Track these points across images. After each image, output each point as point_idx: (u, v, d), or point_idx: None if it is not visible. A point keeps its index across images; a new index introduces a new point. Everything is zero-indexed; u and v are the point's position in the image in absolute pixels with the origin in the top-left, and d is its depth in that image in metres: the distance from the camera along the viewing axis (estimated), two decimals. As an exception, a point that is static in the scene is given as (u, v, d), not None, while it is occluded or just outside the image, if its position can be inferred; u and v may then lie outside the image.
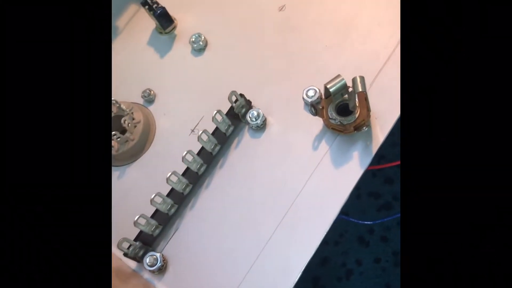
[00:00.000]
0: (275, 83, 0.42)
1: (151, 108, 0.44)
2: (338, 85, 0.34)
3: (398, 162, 0.46)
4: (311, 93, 0.39)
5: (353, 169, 0.37)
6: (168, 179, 0.36)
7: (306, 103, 0.39)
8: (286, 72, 0.42)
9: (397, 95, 0.38)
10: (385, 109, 0.38)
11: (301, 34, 0.43)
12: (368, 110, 0.36)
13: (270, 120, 0.40)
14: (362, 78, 0.34)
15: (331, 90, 0.34)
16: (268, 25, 0.44)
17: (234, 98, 0.39)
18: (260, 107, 0.41)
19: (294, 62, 0.42)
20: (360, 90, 0.34)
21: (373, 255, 0.58)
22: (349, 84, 0.36)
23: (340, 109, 0.37)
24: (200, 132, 0.37)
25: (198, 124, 0.42)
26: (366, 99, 0.36)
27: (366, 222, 0.49)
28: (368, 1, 0.42)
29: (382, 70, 0.40)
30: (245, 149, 0.40)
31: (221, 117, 0.38)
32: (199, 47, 0.44)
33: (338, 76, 0.35)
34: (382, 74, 0.39)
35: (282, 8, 0.44)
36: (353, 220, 0.45)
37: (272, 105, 0.41)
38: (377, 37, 0.41)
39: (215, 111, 0.38)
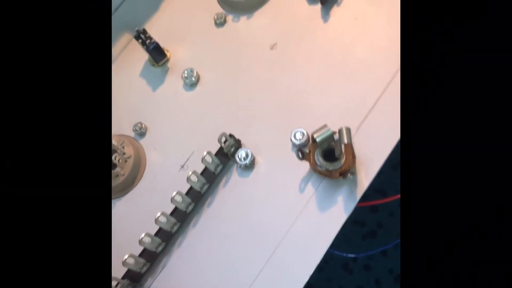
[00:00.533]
0: (265, 122, 0.42)
1: (142, 141, 0.44)
2: (324, 136, 0.35)
3: (388, 199, 0.48)
4: (298, 135, 0.40)
5: (337, 214, 0.38)
6: (157, 220, 0.37)
7: (294, 145, 0.40)
8: (275, 112, 0.43)
9: (383, 140, 0.39)
10: (370, 155, 0.39)
11: (291, 74, 0.44)
12: (354, 157, 0.37)
13: (258, 159, 0.41)
14: (348, 130, 0.35)
15: (317, 140, 0.35)
16: (259, 63, 0.45)
17: (223, 139, 0.39)
18: (249, 146, 0.42)
19: (284, 101, 0.43)
20: (346, 142, 0.35)
21: (356, 283, 0.59)
22: (337, 127, 0.38)
23: (327, 153, 0.38)
24: (190, 173, 0.38)
25: (188, 159, 0.43)
26: (351, 147, 0.37)
27: (350, 255, 0.51)
28: (358, 44, 0.43)
29: (369, 114, 0.41)
30: (233, 188, 0.41)
31: (210, 158, 0.39)
32: (191, 82, 0.45)
33: (325, 126, 0.36)
34: (369, 118, 0.41)
35: (273, 46, 0.45)
36: (337, 253, 0.46)
37: (261, 144, 0.42)
38: (366, 80, 0.42)
39: (205, 152, 0.38)
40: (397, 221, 0.59)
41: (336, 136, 0.36)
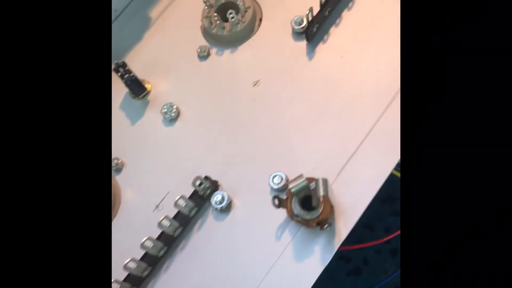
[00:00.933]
0: (244, 162, 0.41)
1: (118, 177, 0.43)
2: (299, 186, 0.34)
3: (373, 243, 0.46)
4: (277, 180, 0.38)
5: (313, 265, 0.36)
6: (126, 266, 0.36)
7: (272, 189, 0.39)
8: (256, 152, 0.41)
9: (365, 188, 0.38)
10: (350, 203, 0.38)
11: (274, 113, 0.42)
12: (332, 207, 0.36)
13: (235, 202, 0.40)
14: (324, 181, 0.34)
15: (292, 190, 0.34)
16: (241, 100, 0.43)
17: (198, 182, 0.38)
18: (226, 187, 0.40)
19: (265, 142, 0.41)
20: (322, 194, 0.33)
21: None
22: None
23: (305, 200, 0.36)
24: (161, 218, 0.37)
25: (163, 199, 0.41)
26: (328, 198, 0.35)
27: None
28: (343, 84, 0.42)
29: (351, 159, 0.39)
30: (208, 232, 0.39)
31: (184, 202, 0.38)
32: (171, 118, 0.44)
33: (301, 176, 0.34)
34: (351, 163, 0.39)
35: (256, 83, 0.44)
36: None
37: (239, 186, 0.40)
38: (350, 123, 0.40)
39: (178, 197, 0.37)
40: (383, 258, 0.58)
41: (313, 185, 0.35)
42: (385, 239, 0.49)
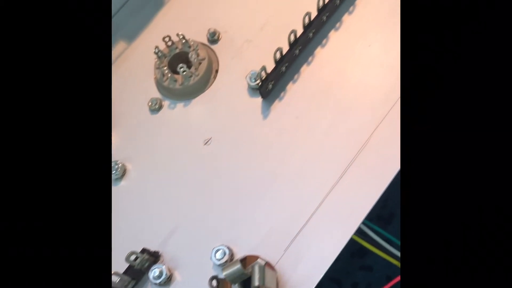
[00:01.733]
0: (189, 231, 0.38)
1: (57, 241, 0.40)
2: (233, 276, 0.31)
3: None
4: (219, 255, 0.36)
5: None
6: None
7: (214, 264, 0.36)
8: (201, 220, 0.38)
9: (314, 266, 0.35)
10: (300, 279, 0.35)
11: (223, 176, 0.40)
12: (274, 290, 0.33)
13: (176, 276, 0.37)
14: (261, 268, 0.31)
15: (226, 278, 0.31)
16: (190, 160, 0.41)
17: (133, 257, 0.35)
18: (168, 258, 0.38)
19: (212, 208, 0.39)
20: (257, 284, 0.30)
21: None
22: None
23: (247, 280, 0.34)
24: (91, 296, 0.34)
25: (102, 267, 0.39)
26: (270, 282, 0.33)
27: None
28: (297, 148, 0.39)
29: (301, 232, 0.36)
30: (145, 308, 0.37)
31: (117, 278, 0.35)
32: (116, 177, 0.41)
33: (236, 262, 0.32)
34: (300, 238, 0.36)
35: (208, 141, 0.41)
36: None
37: (182, 258, 0.37)
38: (302, 191, 0.38)
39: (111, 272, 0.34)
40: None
41: (250, 269, 0.32)
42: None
